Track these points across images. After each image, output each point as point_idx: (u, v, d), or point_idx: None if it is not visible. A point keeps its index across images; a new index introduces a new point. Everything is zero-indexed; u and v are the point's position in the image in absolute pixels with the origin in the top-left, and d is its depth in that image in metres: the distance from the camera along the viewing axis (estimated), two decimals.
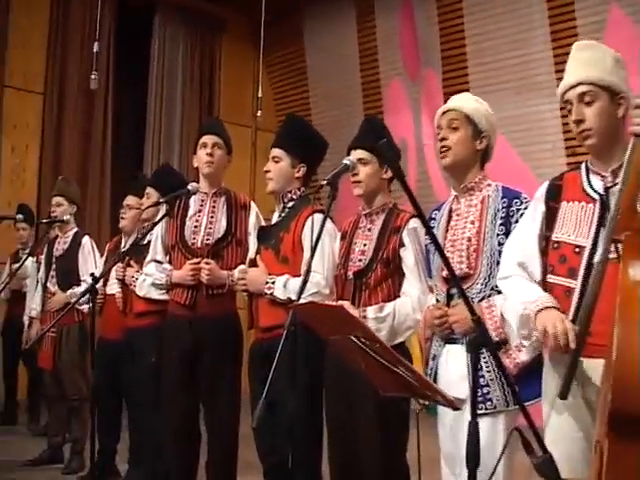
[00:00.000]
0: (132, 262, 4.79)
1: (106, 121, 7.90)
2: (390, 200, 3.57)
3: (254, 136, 8.62)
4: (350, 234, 3.58)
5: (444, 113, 3.17)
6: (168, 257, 4.25)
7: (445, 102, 7.63)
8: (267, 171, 3.82)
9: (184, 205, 4.15)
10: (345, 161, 3.11)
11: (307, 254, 3.63)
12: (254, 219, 4.20)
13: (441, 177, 7.25)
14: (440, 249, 2.57)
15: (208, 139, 4.18)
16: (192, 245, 4.11)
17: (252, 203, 4.26)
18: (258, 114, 6.23)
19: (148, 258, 4.27)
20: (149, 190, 4.95)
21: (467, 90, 6.96)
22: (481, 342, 2.22)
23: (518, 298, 2.69)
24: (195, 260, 4.06)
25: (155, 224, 3.89)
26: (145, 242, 4.76)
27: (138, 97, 8.35)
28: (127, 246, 5.17)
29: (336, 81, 7.85)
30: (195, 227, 4.13)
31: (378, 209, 3.52)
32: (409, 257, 3.37)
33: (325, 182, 2.98)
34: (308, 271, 2.87)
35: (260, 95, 6.35)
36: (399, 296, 3.39)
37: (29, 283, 6.22)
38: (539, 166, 6.57)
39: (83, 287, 5.45)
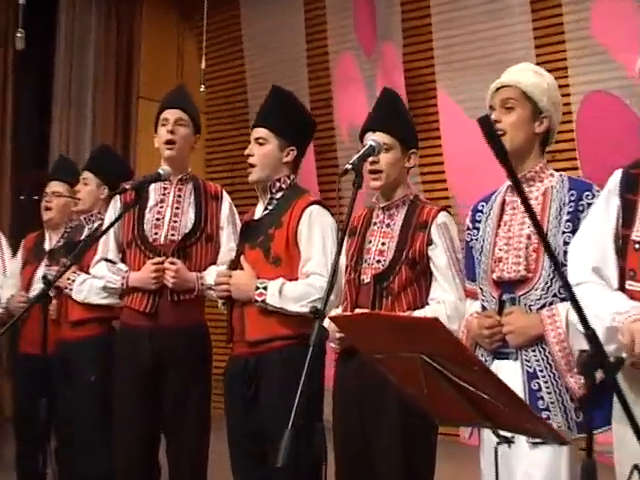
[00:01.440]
0: (64, 261, 4.40)
1: (4, 103, 7.42)
2: (411, 191, 3.33)
3: None
4: (361, 231, 3.33)
5: (497, 90, 2.95)
6: (121, 256, 3.92)
7: (406, 80, 7.45)
8: (249, 155, 3.51)
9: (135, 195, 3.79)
10: (370, 142, 2.90)
11: (308, 253, 3.35)
12: (227, 211, 3.92)
13: None
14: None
15: (169, 114, 3.87)
16: (153, 242, 3.80)
17: (224, 192, 3.94)
18: (201, 89, 5.88)
19: (97, 257, 3.91)
20: (86, 175, 4.59)
21: (432, 67, 6.81)
22: (597, 362, 1.99)
23: (605, 308, 2.47)
24: (158, 259, 3.74)
25: (118, 217, 3.53)
26: (82, 238, 4.46)
27: (42, 73, 7.92)
28: (54, 243, 4.78)
29: (277, 54, 7.55)
30: (157, 220, 3.82)
31: (399, 202, 3.31)
32: (440, 257, 3.17)
33: (349, 166, 2.74)
34: (334, 272, 2.59)
35: (204, 67, 6.00)
36: (427, 303, 3.17)
37: None
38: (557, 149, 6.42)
39: None
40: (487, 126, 1.91)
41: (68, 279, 4.31)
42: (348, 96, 7.23)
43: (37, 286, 4.68)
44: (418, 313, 3.13)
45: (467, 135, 6.82)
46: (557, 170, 6.48)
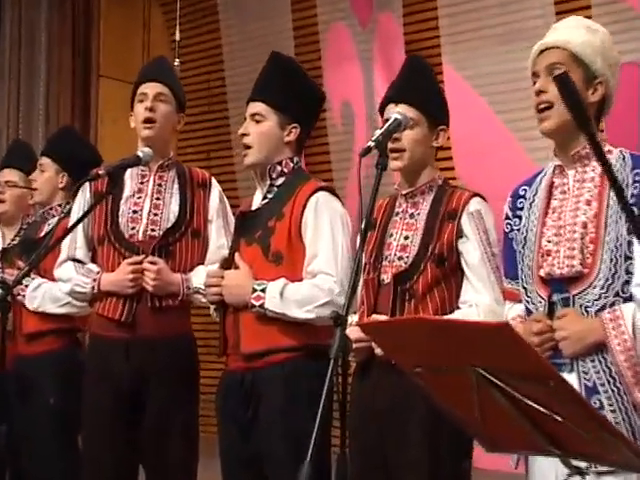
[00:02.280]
0: (21, 262, 4.20)
1: None
2: (439, 175, 3.14)
3: None
4: (382, 223, 3.16)
5: (541, 53, 2.76)
6: (91, 255, 3.72)
7: (407, 54, 7.34)
8: (244, 134, 3.31)
9: (109, 182, 3.57)
10: (396, 115, 2.73)
11: (315, 249, 3.15)
12: (217, 201, 3.73)
13: None
14: None
15: (148, 88, 3.68)
16: (130, 238, 3.60)
17: (213, 180, 3.74)
18: (176, 63, 5.67)
19: (62, 256, 3.70)
20: (44, 161, 4.37)
21: (436, 38, 6.65)
22: None
23: None
24: (136, 259, 3.54)
25: (90, 210, 3.31)
26: (42, 234, 4.25)
27: None
28: (8, 241, 4.57)
29: (258, 25, 7.38)
30: (134, 213, 3.62)
31: (424, 187, 3.12)
32: (472, 252, 2.99)
33: (372, 144, 2.56)
34: (358, 269, 2.39)
35: (178, 38, 5.80)
36: (457, 307, 2.99)
37: None
38: (528, 137, 6.27)
39: None
40: (567, 86, 1.71)
41: (21, 284, 4.09)
42: (340, 73, 7.10)
43: None
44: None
45: (476, 114, 6.70)
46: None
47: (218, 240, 3.67)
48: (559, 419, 1.88)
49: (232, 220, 3.70)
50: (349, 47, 7.06)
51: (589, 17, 5.95)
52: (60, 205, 4.28)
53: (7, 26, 7.53)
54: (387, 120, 2.73)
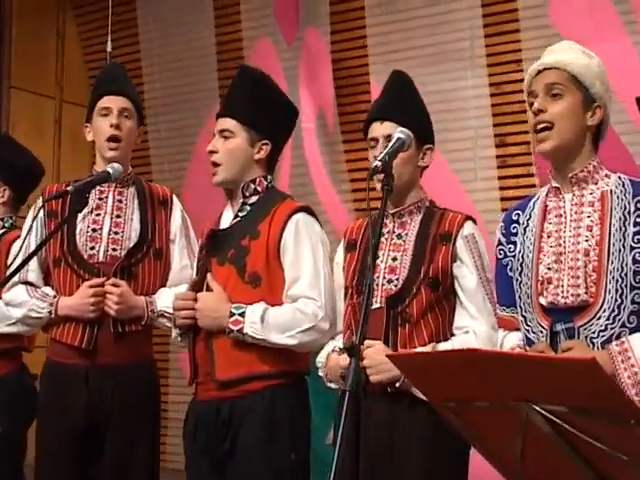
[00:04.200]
0: None
1: None
2: (426, 196, 3.03)
3: (58, 110, 7.78)
4: (363, 243, 3.01)
5: (539, 73, 2.69)
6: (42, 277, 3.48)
7: (334, 73, 7.20)
8: (212, 152, 3.14)
9: (70, 201, 3.35)
10: (399, 135, 2.63)
11: (296, 272, 3.00)
12: (179, 220, 3.55)
13: (323, 169, 6.77)
14: None
15: (111, 102, 3.47)
16: (89, 259, 3.39)
17: (174, 197, 3.55)
18: None
19: (15, 279, 3.42)
20: None
21: (365, 57, 6.56)
22: None
23: None
24: (97, 281, 3.33)
25: (56, 230, 3.09)
26: None
27: None
28: None
29: (180, 40, 7.16)
30: (93, 232, 3.41)
31: (412, 207, 3.01)
32: (468, 277, 2.89)
33: (379, 164, 2.45)
34: (369, 293, 2.27)
35: (109, 49, 5.55)
36: (452, 333, 2.87)
37: None
38: (456, 159, 6.24)
39: None
40: None
41: None
42: None
43: None
44: (445, 346, 2.83)
45: None
46: (511, 177, 6.35)
47: (181, 261, 3.49)
48: (624, 458, 1.78)
49: (194, 240, 3.53)
50: (274, 63, 6.87)
51: (517, 41, 6.01)
52: (2, 219, 4.01)
53: None
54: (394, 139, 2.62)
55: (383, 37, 6.49)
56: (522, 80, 5.96)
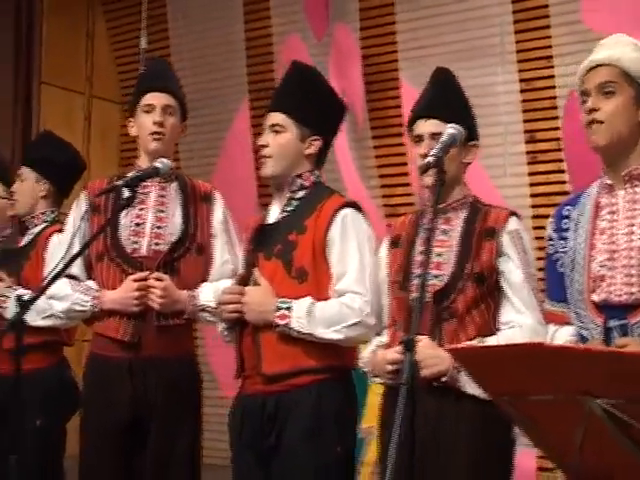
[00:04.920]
0: (2, 274, 3.95)
1: None
2: (470, 192, 3.02)
3: (88, 106, 7.81)
4: (407, 239, 3.00)
5: (591, 70, 2.67)
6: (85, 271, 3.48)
7: (363, 69, 7.19)
8: (263, 146, 3.14)
9: (116, 195, 3.36)
10: (451, 130, 2.63)
11: (343, 267, 2.99)
12: (221, 216, 3.54)
13: (352, 165, 6.76)
14: None
15: (155, 99, 3.47)
16: (132, 253, 3.38)
17: (217, 193, 3.55)
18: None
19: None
20: (23, 170, 4.15)
21: (394, 53, 6.54)
22: None
23: None
24: (141, 275, 3.33)
25: (102, 228, 3.09)
26: (22, 244, 4.03)
27: None
28: None
29: (209, 36, 7.16)
30: (137, 226, 3.40)
31: (456, 204, 2.99)
32: (514, 272, 2.88)
33: (432, 160, 2.44)
34: (423, 291, 2.26)
35: (144, 46, 5.55)
36: (498, 328, 2.87)
37: None
38: (486, 155, 6.21)
39: None
40: None
41: (2, 295, 3.85)
42: None
43: None
44: (491, 341, 2.82)
45: None
46: (541, 173, 6.29)
47: (222, 256, 3.48)
48: None
49: (236, 235, 3.54)
50: (303, 59, 6.83)
51: (548, 37, 5.98)
52: (43, 213, 4.02)
53: None
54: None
55: (412, 33, 6.46)
56: (553, 76, 6.01)
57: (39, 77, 7.47)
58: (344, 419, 3.02)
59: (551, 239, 2.78)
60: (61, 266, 2.79)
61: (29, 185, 4.04)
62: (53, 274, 2.78)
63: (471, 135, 3.03)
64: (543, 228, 3.13)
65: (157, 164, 3.19)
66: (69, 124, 7.51)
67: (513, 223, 2.93)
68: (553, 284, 2.76)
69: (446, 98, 3.04)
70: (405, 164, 6.34)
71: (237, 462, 3.11)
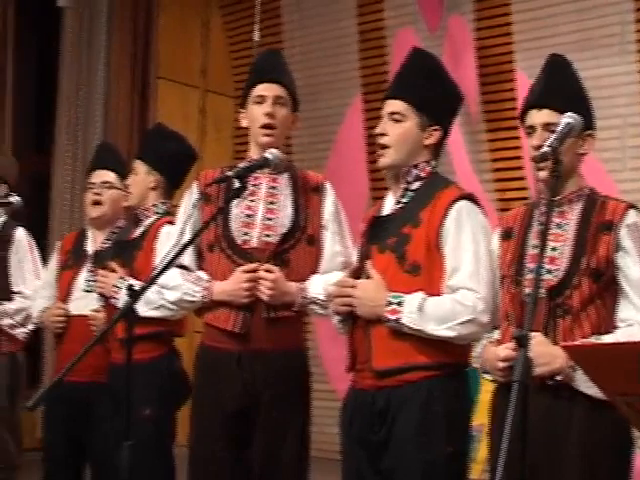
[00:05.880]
0: (115, 265, 3.97)
1: (4, 76, 7.00)
2: (586, 184, 2.91)
3: (203, 99, 7.91)
4: (520, 232, 2.91)
5: None
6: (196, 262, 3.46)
7: (478, 60, 7.07)
8: (381, 135, 3.05)
9: (227, 186, 3.34)
10: (568, 120, 2.55)
11: (457, 262, 2.90)
12: (332, 207, 3.47)
13: (466, 158, 6.65)
14: None
15: (266, 90, 3.42)
16: (243, 244, 3.34)
17: (328, 184, 3.50)
18: None
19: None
20: (136, 163, 4.14)
21: (510, 44, 6.42)
22: None
23: None
24: (251, 266, 3.29)
25: (211, 218, 3.08)
26: (136, 235, 4.03)
27: (46, 48, 7.53)
28: (99, 244, 4.32)
29: (322, 29, 7.16)
30: (247, 217, 3.36)
31: (571, 196, 2.87)
32: (632, 267, 2.76)
33: (548, 149, 2.35)
34: (537, 285, 2.16)
35: (257, 38, 5.55)
36: (615, 325, 2.75)
37: None
38: (603, 148, 6.03)
39: (18, 303, 4.54)
40: None
41: (114, 286, 3.87)
42: None
43: (76, 295, 4.23)
44: (608, 339, 2.70)
45: None
46: None
47: (333, 247, 3.41)
48: None
49: (347, 227, 3.49)
50: None
51: None
52: (155, 205, 4.05)
53: (67, 30, 7.32)
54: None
55: (528, 23, 6.33)
56: None
57: (155, 72, 7.59)
58: (455, 417, 2.92)
59: None
60: (172, 255, 2.77)
61: (140, 177, 4.05)
62: (164, 263, 2.76)
63: (587, 124, 2.89)
64: None
65: (267, 155, 3.14)
66: (184, 118, 7.59)
67: (632, 216, 2.79)
68: None
69: (561, 86, 2.90)
70: (520, 158, 6.22)
71: (346, 456, 3.05)
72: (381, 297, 2.90)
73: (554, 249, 2.81)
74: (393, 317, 2.88)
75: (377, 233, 3.03)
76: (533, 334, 2.64)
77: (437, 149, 3.10)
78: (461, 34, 6.58)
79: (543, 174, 2.78)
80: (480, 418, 4.25)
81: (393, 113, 3.05)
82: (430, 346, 2.89)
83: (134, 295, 2.68)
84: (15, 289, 4.59)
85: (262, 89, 3.42)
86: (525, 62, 6.27)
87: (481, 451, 5.06)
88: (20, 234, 4.65)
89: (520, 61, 6.29)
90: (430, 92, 3.05)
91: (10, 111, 7.11)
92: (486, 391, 3.43)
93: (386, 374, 2.91)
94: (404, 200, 3.04)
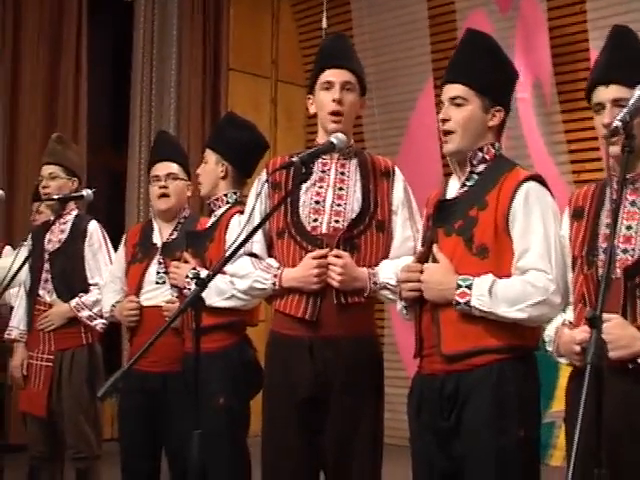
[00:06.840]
0: (188, 256, 3.96)
1: (79, 71, 7.08)
2: None
3: (274, 89, 7.92)
4: (592, 211, 2.83)
5: None
6: (266, 249, 3.46)
7: (551, 41, 6.94)
8: (445, 120, 3.00)
9: (295, 172, 3.32)
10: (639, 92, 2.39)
11: (526, 243, 2.84)
12: (401, 192, 3.43)
13: (541, 140, 6.54)
14: None
15: (334, 75, 3.40)
16: (312, 230, 3.32)
17: (397, 169, 3.45)
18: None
19: (240, 251, 3.42)
20: (206, 152, 4.15)
21: (583, 23, 6.28)
22: None
23: None
24: (320, 252, 3.26)
25: (277, 205, 3.06)
26: (207, 226, 4.04)
27: (119, 41, 7.63)
28: (166, 236, 4.33)
29: (391, 16, 7.10)
30: (316, 204, 3.34)
31: None
32: None
33: (619, 124, 2.27)
34: (610, 264, 2.09)
35: (325, 26, 5.53)
36: None
37: (13, 292, 5.12)
38: None
39: (95, 295, 4.60)
40: None
41: (187, 277, 3.87)
42: None
43: (148, 287, 4.24)
44: None
45: None
46: None
47: (404, 232, 3.37)
48: None
49: (417, 212, 3.44)
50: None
51: None
52: (226, 195, 4.04)
53: (140, 22, 7.39)
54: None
55: (601, 2, 6.20)
56: None
57: (227, 64, 7.63)
58: (527, 400, 2.86)
59: None
60: (239, 241, 2.75)
61: (210, 167, 4.05)
62: (233, 248, 2.75)
63: None
64: None
65: (332, 139, 3.10)
66: (256, 108, 7.61)
67: None
68: None
69: (627, 59, 2.79)
70: (596, 138, 6.07)
71: (416, 443, 3.00)
72: (450, 280, 2.86)
73: (629, 228, 2.72)
74: (463, 300, 2.83)
75: (443, 217, 2.98)
76: (611, 316, 2.58)
77: (499, 130, 3.05)
78: (533, 14, 6.47)
79: (615, 150, 2.69)
80: (559, 404, 4.18)
81: (455, 98, 3.00)
82: (500, 329, 2.84)
83: (201, 284, 2.66)
84: (91, 281, 4.65)
85: (329, 75, 3.39)
86: (599, 41, 6.05)
87: (561, 437, 4.98)
88: (93, 226, 4.70)
89: (594, 40, 6.16)
90: (489, 73, 2.99)
91: (85, 108, 7.20)
92: (564, 376, 3.36)
93: (455, 358, 2.86)
94: (469, 183, 2.99)
